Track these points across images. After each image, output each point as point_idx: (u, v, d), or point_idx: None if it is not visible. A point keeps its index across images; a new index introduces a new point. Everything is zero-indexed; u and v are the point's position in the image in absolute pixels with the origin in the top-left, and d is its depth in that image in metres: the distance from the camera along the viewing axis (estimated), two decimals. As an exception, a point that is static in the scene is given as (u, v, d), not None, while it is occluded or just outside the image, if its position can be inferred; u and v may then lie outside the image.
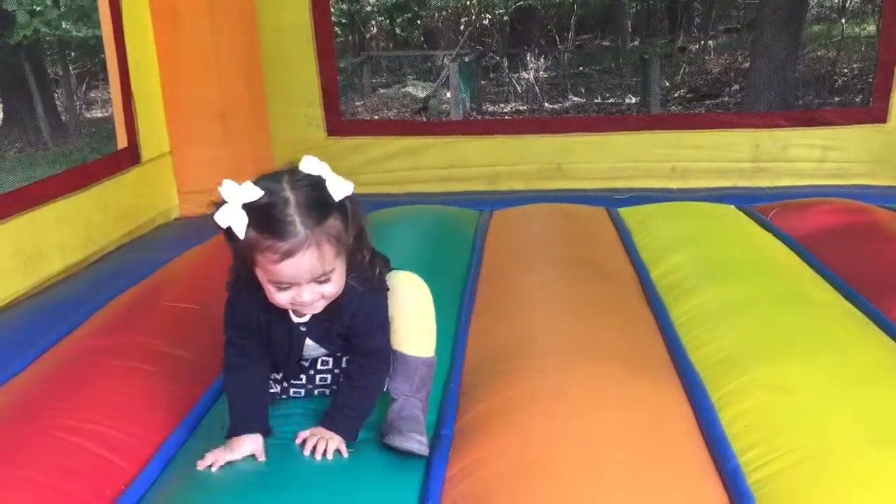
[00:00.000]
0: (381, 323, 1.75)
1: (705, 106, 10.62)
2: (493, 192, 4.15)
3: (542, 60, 13.08)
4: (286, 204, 1.51)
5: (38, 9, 9.66)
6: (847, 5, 13.68)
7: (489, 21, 13.45)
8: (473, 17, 13.11)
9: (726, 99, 10.92)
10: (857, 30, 12.88)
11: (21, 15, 9.46)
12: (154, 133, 3.77)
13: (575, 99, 12.08)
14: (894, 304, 2.29)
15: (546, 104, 11.93)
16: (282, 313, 1.69)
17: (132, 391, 1.93)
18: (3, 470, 1.60)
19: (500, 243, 3.08)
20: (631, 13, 15.07)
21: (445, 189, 4.18)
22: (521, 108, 11.81)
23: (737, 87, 11.10)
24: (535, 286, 2.57)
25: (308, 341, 1.76)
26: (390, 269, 1.82)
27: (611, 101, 11.90)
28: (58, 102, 11.68)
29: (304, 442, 1.68)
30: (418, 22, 14.97)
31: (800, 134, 4.12)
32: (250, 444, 1.66)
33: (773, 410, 1.77)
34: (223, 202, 1.52)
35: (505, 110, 11.79)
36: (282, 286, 1.57)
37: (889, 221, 3.09)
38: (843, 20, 12.78)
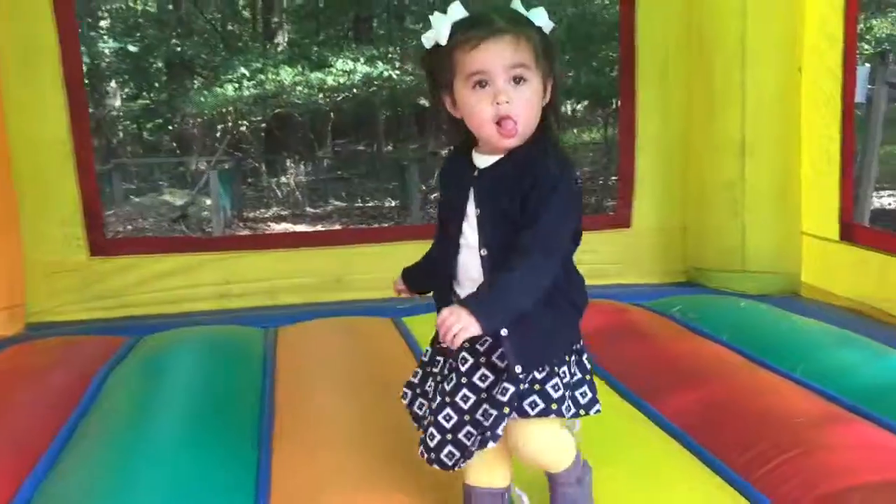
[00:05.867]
0: (560, 210, 1.59)
1: (463, 209, 11.22)
2: (273, 307, 4.07)
3: (301, 165, 13.23)
4: (489, 11, 1.64)
5: None
6: (574, 115, 15.22)
7: (247, 128, 13.42)
8: (230, 124, 13.01)
9: (482, 202, 11.63)
10: (585, 137, 14.35)
11: None
12: None
13: (336, 203, 12.28)
14: (665, 403, 2.52)
15: (308, 208, 12.02)
16: (468, 162, 1.72)
17: None
18: None
19: (291, 364, 3.01)
20: (382, 119, 15.74)
21: (222, 306, 4.05)
22: (283, 213, 11.80)
23: (489, 190, 11.87)
24: (333, 411, 2.53)
25: (470, 210, 1.68)
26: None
27: (371, 204, 12.24)
28: None
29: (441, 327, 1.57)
30: (169, 128, 14.62)
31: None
32: (400, 282, 2.00)
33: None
34: (429, 31, 1.66)
35: (267, 215, 11.72)
36: (478, 79, 1.60)
37: (645, 320, 3.42)
38: (574, 129, 14.20)
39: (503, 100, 1.59)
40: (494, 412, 1.65)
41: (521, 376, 1.65)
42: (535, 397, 1.66)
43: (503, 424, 1.65)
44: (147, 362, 3.06)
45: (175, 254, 4.17)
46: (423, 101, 14.29)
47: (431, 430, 1.72)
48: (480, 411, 1.68)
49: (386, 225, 10.94)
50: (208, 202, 11.14)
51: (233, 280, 4.14)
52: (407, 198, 11.33)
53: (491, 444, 1.65)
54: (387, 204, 12.15)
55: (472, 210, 1.68)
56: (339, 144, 15.62)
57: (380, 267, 4.17)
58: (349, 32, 15.22)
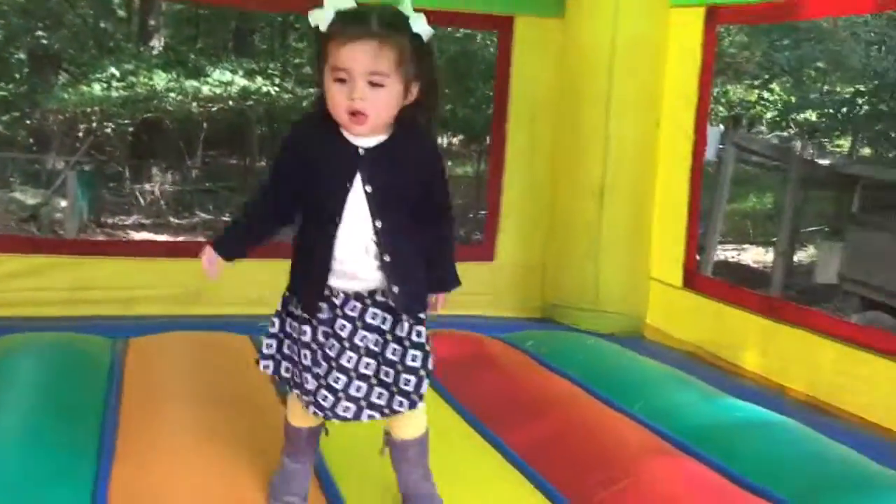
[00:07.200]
0: (445, 177, 2.01)
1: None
2: (127, 317, 3.94)
3: (168, 174, 12.83)
4: (370, 10, 1.81)
5: None
6: (451, 147, 15.48)
7: (112, 130, 12.89)
8: (95, 124, 12.47)
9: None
10: (458, 171, 14.61)
11: None
12: None
13: (202, 215, 11.97)
14: (509, 432, 2.62)
15: (172, 219, 11.66)
16: (341, 140, 1.87)
17: None
18: None
19: (141, 376, 2.93)
20: (257, 135, 15.50)
21: (73, 313, 3.88)
22: (144, 221, 11.40)
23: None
24: (181, 428, 2.48)
25: (357, 187, 1.85)
26: None
27: (239, 219, 11.99)
28: None
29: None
30: (27, 122, 13.85)
31: (423, 268, 4.53)
32: (210, 255, 2.04)
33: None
34: (317, 12, 1.82)
35: (127, 223, 11.28)
36: (340, 76, 1.79)
37: (499, 352, 3.53)
38: (449, 162, 14.44)
39: (357, 97, 1.80)
40: (414, 378, 1.94)
41: (421, 336, 1.97)
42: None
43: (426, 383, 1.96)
44: (-17, 366, 2.90)
45: (23, 254, 3.98)
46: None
47: (324, 391, 1.91)
48: (401, 380, 1.95)
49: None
50: (63, 204, 10.62)
51: (85, 286, 3.98)
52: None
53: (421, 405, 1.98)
54: (255, 220, 11.94)
55: (359, 187, 1.87)
56: (210, 156, 15.24)
57: (242, 283, 4.13)
58: (230, 44, 14.95)
